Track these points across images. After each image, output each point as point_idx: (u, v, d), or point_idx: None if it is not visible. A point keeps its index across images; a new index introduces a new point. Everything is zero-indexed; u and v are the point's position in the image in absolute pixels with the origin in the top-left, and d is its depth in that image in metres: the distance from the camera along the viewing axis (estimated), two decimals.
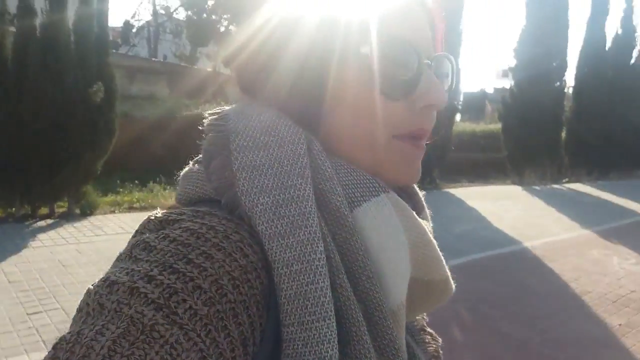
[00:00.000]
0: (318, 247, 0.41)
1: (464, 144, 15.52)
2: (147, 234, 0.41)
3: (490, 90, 40.01)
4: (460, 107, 31.86)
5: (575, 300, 4.71)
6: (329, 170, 0.47)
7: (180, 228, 0.40)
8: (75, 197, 6.82)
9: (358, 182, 0.48)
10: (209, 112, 0.51)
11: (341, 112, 0.50)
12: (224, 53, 0.55)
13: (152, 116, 11.35)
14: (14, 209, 6.46)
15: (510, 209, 9.53)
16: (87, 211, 6.92)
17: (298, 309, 0.40)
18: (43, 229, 6.15)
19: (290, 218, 0.42)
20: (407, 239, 0.48)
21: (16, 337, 3.43)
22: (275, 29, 0.49)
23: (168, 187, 8.70)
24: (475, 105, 34.06)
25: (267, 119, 0.49)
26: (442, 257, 0.52)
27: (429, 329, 0.67)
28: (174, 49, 29.33)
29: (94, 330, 0.34)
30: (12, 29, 6.08)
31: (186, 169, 0.53)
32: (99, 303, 0.37)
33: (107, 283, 0.37)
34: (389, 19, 0.49)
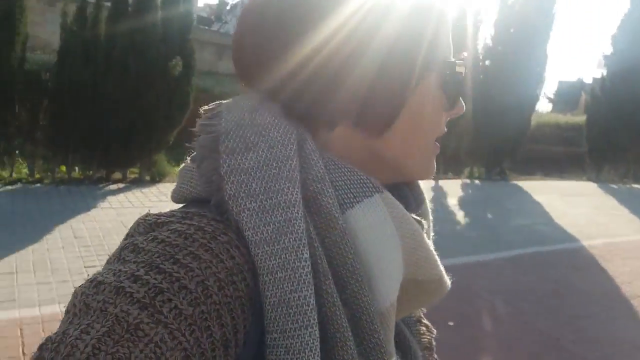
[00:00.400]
0: (302, 254, 0.42)
1: (546, 135, 14.73)
2: (137, 237, 0.42)
3: (589, 79, 37.28)
4: (552, 97, 29.86)
5: (621, 303, 4.46)
6: (320, 171, 0.46)
7: (169, 230, 0.41)
8: (147, 164, 7.33)
9: (351, 182, 0.48)
10: (204, 108, 0.51)
11: (405, 127, 0.51)
12: None
13: (233, 93, 11.80)
14: (91, 171, 7.06)
15: (577, 206, 9.00)
16: (157, 178, 7.42)
17: (281, 317, 0.41)
18: (114, 192, 6.67)
19: (276, 224, 0.42)
20: (400, 241, 0.48)
21: (71, 286, 3.83)
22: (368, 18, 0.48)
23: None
24: (571, 96, 31.97)
25: (259, 117, 0.48)
26: (436, 257, 0.52)
27: (425, 321, 0.68)
28: None
29: (79, 330, 0.35)
30: (108, 4, 6.60)
31: (183, 164, 0.53)
32: (84, 303, 0.37)
33: (94, 284, 0.38)
34: (445, 33, 0.53)
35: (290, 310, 0.41)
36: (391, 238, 0.47)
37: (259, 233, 0.42)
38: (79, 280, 3.94)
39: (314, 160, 0.46)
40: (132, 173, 7.43)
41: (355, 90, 0.48)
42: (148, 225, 0.44)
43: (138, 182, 7.22)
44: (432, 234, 0.59)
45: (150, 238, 0.40)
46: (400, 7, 0.49)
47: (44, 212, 5.51)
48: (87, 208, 5.87)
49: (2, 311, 3.43)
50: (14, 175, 6.64)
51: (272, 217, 0.42)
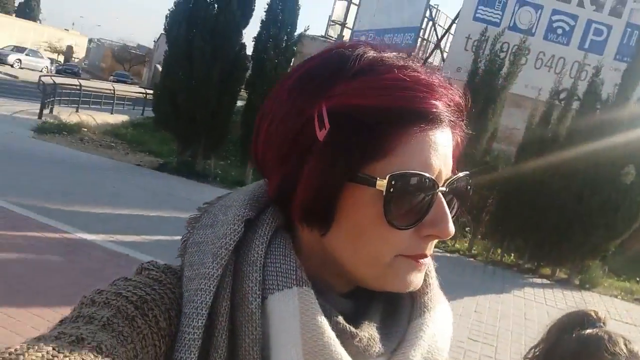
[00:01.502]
0: (192, 322, 0.47)
1: None
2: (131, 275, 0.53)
3: None
4: None
5: None
6: (255, 255, 0.50)
7: (145, 275, 0.53)
8: (578, 268, 7.04)
9: (280, 270, 0.50)
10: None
11: (346, 233, 0.50)
12: None
13: None
14: (522, 260, 7.38)
15: None
16: (586, 285, 7.00)
17: None
18: (534, 285, 6.71)
19: (189, 292, 0.49)
20: (302, 339, 0.48)
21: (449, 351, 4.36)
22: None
23: None
24: None
25: (233, 196, 0.56)
26: None
27: None
28: None
29: (90, 311, 0.46)
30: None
31: None
32: (91, 299, 0.48)
33: (97, 291, 0.49)
34: (418, 147, 0.48)
35: None
36: (293, 334, 0.48)
37: (184, 297, 0.50)
38: (455, 347, 4.40)
39: (255, 244, 0.51)
40: (562, 273, 7.28)
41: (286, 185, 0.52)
42: (140, 268, 0.54)
43: (565, 283, 7.00)
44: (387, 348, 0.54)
45: (137, 274, 0.53)
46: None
47: (463, 283, 6.19)
48: (501, 291, 6.21)
49: None
50: (456, 246, 7.76)
51: (191, 285, 0.50)
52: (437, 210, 0.49)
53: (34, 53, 31.95)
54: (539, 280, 7.01)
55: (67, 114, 12.43)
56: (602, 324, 1.12)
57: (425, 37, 13.42)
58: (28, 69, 28.92)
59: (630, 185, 6.38)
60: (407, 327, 0.56)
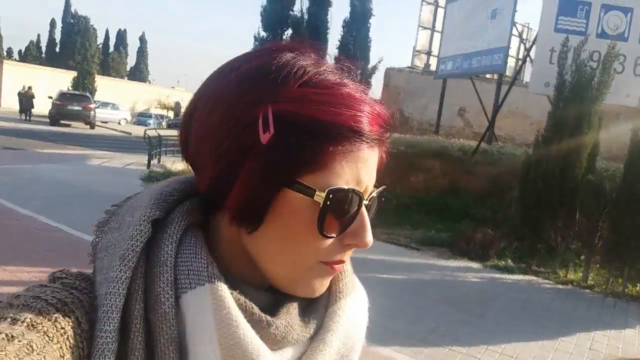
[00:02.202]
0: (104, 326, 0.47)
1: None
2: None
3: None
4: None
5: None
6: (166, 255, 0.51)
7: (59, 282, 0.53)
8: None
9: (192, 268, 0.51)
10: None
11: (273, 235, 0.52)
12: None
13: None
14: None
15: None
16: None
17: None
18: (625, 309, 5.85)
19: (100, 297, 0.49)
20: (218, 334, 0.50)
21: None
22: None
23: None
24: None
25: (139, 197, 0.57)
26: (262, 356, 0.52)
27: None
28: None
29: (11, 313, 0.45)
30: None
31: None
32: (8, 303, 0.47)
33: (14, 295, 0.49)
34: (351, 163, 0.51)
35: None
36: (208, 330, 0.50)
37: (96, 302, 0.50)
38: None
39: (164, 244, 0.52)
40: None
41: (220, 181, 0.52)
42: (53, 277, 0.55)
43: None
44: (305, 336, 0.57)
45: (51, 282, 0.54)
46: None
47: (576, 317, 5.59)
48: (623, 326, 5.45)
49: None
50: (569, 276, 6.97)
51: (101, 289, 0.50)
52: (360, 222, 0.53)
53: (113, 106, 35.11)
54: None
55: (171, 163, 13.35)
56: None
57: (515, 55, 12.86)
58: (103, 121, 31.36)
59: None
60: (325, 313, 0.59)
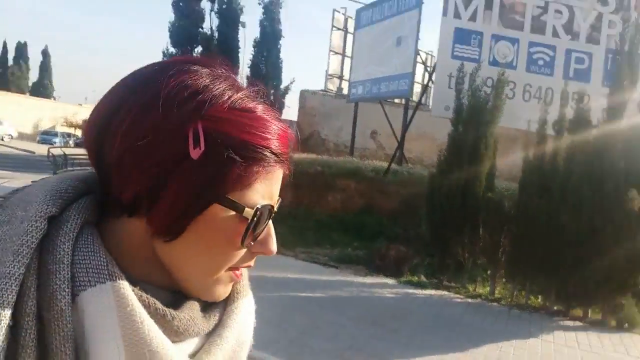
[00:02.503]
0: None
1: None
2: None
3: None
4: None
5: None
6: (63, 252, 0.50)
7: None
8: (611, 306, 6.50)
9: (91, 266, 0.51)
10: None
11: (192, 245, 0.54)
12: None
13: None
14: (548, 302, 6.88)
15: None
16: (624, 326, 6.42)
17: None
18: (565, 328, 6.22)
19: None
20: (121, 331, 0.50)
21: None
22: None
23: None
24: None
25: (31, 191, 0.55)
26: (170, 353, 0.53)
27: None
28: None
29: None
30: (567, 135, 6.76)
31: None
32: None
33: None
34: (269, 182, 0.56)
35: None
36: (111, 327, 0.49)
37: None
38: None
39: (60, 241, 0.51)
40: (596, 314, 6.71)
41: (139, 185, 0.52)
42: None
43: (599, 325, 6.45)
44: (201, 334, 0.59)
45: None
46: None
47: (485, 329, 5.85)
48: (527, 336, 5.78)
49: None
50: (478, 290, 7.30)
51: None
52: (268, 233, 0.58)
53: None
54: (570, 323, 6.50)
55: None
56: None
57: (420, 80, 13.54)
58: None
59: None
60: (224, 310, 0.63)
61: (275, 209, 0.59)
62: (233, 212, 0.53)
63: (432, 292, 7.14)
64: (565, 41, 10.02)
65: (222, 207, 0.53)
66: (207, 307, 0.61)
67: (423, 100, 13.14)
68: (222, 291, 0.60)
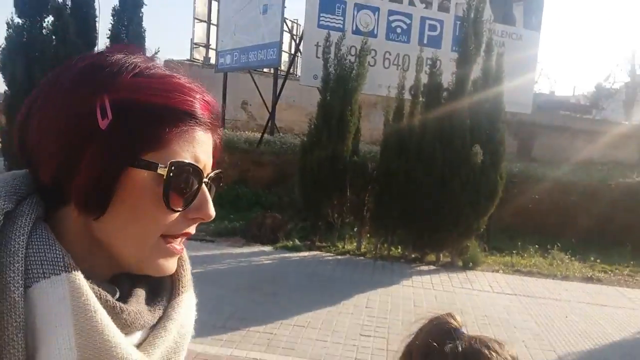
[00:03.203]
0: None
1: None
2: None
3: None
4: None
5: None
6: (16, 245, 0.52)
7: None
8: (458, 249, 7.45)
9: (45, 258, 0.52)
10: None
11: (120, 216, 0.56)
12: None
13: (582, 183, 10.76)
14: (406, 252, 7.68)
15: None
16: (469, 265, 7.42)
17: None
18: (422, 273, 7.03)
19: None
20: (74, 320, 0.51)
21: (342, 349, 4.31)
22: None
23: (574, 257, 8.18)
24: None
25: None
26: (122, 343, 0.55)
27: None
28: None
29: None
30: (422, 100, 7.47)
31: None
32: None
33: None
34: (188, 143, 0.57)
35: None
36: (63, 317, 0.51)
37: None
38: (350, 346, 4.41)
39: (15, 235, 0.53)
40: (446, 257, 7.64)
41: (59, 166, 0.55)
42: None
43: (449, 267, 7.38)
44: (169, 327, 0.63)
45: None
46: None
47: (354, 281, 6.36)
48: (390, 283, 6.41)
49: (279, 356, 4.15)
50: (346, 247, 7.87)
51: None
52: (202, 198, 0.59)
53: None
54: (425, 268, 7.33)
55: None
56: (464, 329, 1.04)
57: (288, 49, 13.76)
58: None
59: (483, 164, 6.89)
60: (167, 304, 0.65)
61: (211, 175, 0.62)
62: (152, 173, 0.54)
63: (306, 253, 7.53)
64: (420, 9, 10.78)
65: (138, 170, 0.54)
66: (152, 301, 0.63)
67: (291, 70, 13.35)
68: (165, 265, 0.60)
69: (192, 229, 0.61)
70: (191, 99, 0.58)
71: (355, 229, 8.06)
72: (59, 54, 7.60)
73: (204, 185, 0.59)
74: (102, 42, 8.32)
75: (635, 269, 8.09)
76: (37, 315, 0.51)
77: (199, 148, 0.59)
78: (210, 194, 0.62)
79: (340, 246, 7.88)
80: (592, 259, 8.29)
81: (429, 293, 6.13)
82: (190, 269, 0.72)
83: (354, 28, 9.96)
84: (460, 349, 0.98)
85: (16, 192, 0.56)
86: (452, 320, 1.04)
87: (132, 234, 0.57)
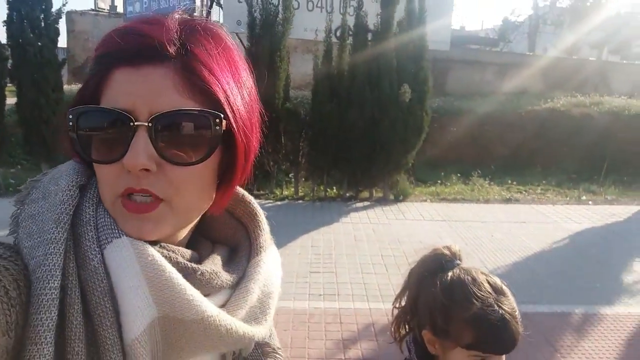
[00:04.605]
0: (49, 283, 0.50)
1: None
2: None
3: None
4: None
5: None
6: (88, 215, 0.55)
7: None
8: (389, 184, 7.86)
9: (106, 224, 0.55)
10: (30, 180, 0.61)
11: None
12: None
13: (495, 113, 11.46)
14: (341, 191, 8.00)
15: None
16: (400, 198, 7.88)
17: (26, 331, 0.49)
18: (358, 209, 7.40)
19: (37, 258, 0.51)
20: (146, 279, 0.53)
21: (294, 287, 4.53)
22: None
23: (493, 182, 8.88)
24: None
25: (60, 168, 0.60)
26: (196, 298, 0.55)
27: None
28: (554, 41, 28.02)
29: None
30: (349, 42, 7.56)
31: None
32: None
33: None
34: (111, 90, 0.54)
35: (31, 329, 0.49)
36: (135, 277, 0.53)
37: (30, 266, 0.52)
38: (302, 283, 4.65)
39: (86, 206, 0.56)
40: (379, 192, 8.05)
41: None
42: None
43: (382, 201, 7.79)
44: (251, 286, 0.64)
45: None
46: None
47: (297, 224, 6.55)
48: (330, 222, 6.70)
49: None
50: (284, 193, 8.06)
51: (37, 252, 0.52)
52: (134, 143, 0.52)
53: None
54: (360, 204, 7.68)
55: None
56: (458, 261, 1.12)
57: None
58: None
59: (410, 102, 7.20)
60: (247, 264, 0.66)
61: (152, 117, 0.53)
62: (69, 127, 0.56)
63: None
64: None
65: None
66: (230, 262, 0.66)
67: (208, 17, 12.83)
68: (129, 225, 0.55)
69: (134, 183, 0.54)
70: (118, 39, 0.53)
71: (292, 175, 8.23)
72: None
73: (140, 130, 0.52)
74: None
75: (545, 187, 8.95)
76: (113, 277, 0.53)
77: (123, 90, 0.53)
78: (174, 138, 0.54)
79: (278, 192, 8.04)
80: (508, 181, 9.07)
81: (367, 227, 6.48)
82: (269, 230, 0.72)
83: None
84: (448, 279, 1.08)
85: (87, 169, 0.59)
86: (448, 252, 1.14)
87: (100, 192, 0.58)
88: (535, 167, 10.08)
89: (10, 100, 8.27)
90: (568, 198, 8.32)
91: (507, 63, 15.70)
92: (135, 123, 0.52)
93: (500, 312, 1.02)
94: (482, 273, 1.09)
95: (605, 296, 4.48)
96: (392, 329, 1.21)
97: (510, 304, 1.05)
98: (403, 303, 1.19)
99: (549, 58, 17.20)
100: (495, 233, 6.32)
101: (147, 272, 0.53)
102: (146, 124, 0.52)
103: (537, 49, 26.85)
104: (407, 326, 1.18)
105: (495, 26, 29.94)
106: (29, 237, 0.53)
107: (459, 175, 9.29)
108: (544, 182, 9.24)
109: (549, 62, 15.90)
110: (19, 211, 0.57)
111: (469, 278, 1.06)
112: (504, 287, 1.08)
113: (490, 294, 1.04)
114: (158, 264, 0.53)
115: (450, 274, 1.08)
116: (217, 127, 0.55)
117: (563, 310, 4.18)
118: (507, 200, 8.11)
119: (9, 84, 8.04)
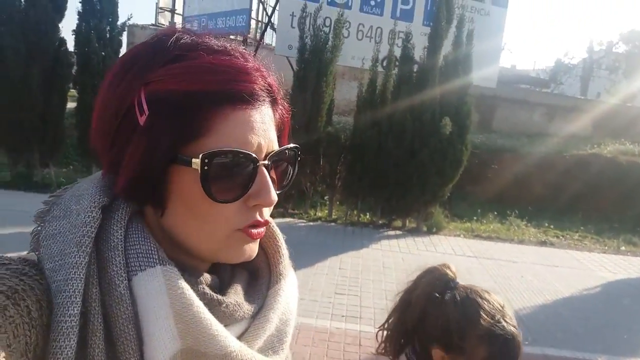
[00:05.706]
0: (68, 310, 0.48)
1: None
2: None
3: None
4: None
5: None
6: (115, 240, 0.53)
7: (6, 267, 0.51)
8: (423, 215, 7.88)
9: (141, 251, 0.53)
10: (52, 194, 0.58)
11: (180, 212, 0.55)
12: None
13: (538, 154, 11.33)
14: (375, 218, 8.06)
15: None
16: (433, 230, 7.88)
17: (46, 355, 0.48)
18: (389, 237, 7.44)
19: (58, 283, 0.50)
20: (173, 312, 0.52)
21: (318, 306, 4.62)
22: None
23: (530, 224, 8.75)
24: None
25: (81, 186, 0.57)
26: (220, 333, 0.54)
27: None
28: (608, 87, 27.47)
29: None
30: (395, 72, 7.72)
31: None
32: None
33: None
34: (230, 127, 0.53)
35: (49, 356, 0.48)
36: (163, 308, 0.52)
37: (52, 289, 0.50)
38: (326, 303, 4.73)
39: (113, 229, 0.53)
40: (412, 223, 8.07)
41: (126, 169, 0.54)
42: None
43: (415, 232, 7.80)
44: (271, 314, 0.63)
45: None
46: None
47: (327, 245, 6.65)
48: (361, 247, 6.76)
49: None
50: (318, 214, 8.19)
51: (58, 276, 0.50)
52: (259, 182, 0.54)
53: None
54: (392, 232, 7.72)
55: None
56: (457, 281, 1.14)
57: (258, 18, 13.65)
58: None
59: (450, 135, 7.26)
60: (267, 293, 0.65)
61: (273, 154, 0.56)
62: (190, 168, 0.52)
63: (279, 220, 7.77)
64: None
65: (179, 166, 0.52)
66: (250, 291, 0.63)
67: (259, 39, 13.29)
68: (240, 252, 0.58)
69: (261, 216, 0.57)
70: (226, 77, 0.52)
71: (327, 197, 8.37)
72: (29, 16, 7.41)
73: (262, 168, 0.55)
74: (73, 5, 8.13)
75: (584, 234, 8.74)
76: (139, 307, 0.52)
77: (248, 129, 0.53)
78: (275, 172, 0.58)
79: (312, 213, 8.18)
80: (545, 224, 8.90)
81: (396, 255, 6.51)
82: (288, 254, 0.71)
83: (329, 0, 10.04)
84: (458, 297, 1.10)
85: (110, 187, 0.56)
86: (449, 272, 1.16)
87: (198, 230, 0.56)
88: (575, 212, 9.85)
89: (72, 105, 8.82)
90: (606, 247, 8.10)
91: (557, 105, 15.53)
92: (260, 162, 0.55)
93: (509, 327, 1.06)
94: (485, 291, 1.14)
95: (631, 348, 4.36)
96: (385, 345, 1.22)
97: (512, 319, 1.09)
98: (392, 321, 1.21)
99: (600, 103, 16.86)
100: (525, 274, 6.23)
101: (175, 305, 0.52)
102: (267, 162, 0.56)
103: (589, 94, 26.37)
104: (402, 341, 1.20)
105: (547, 67, 29.68)
106: (50, 259, 0.52)
107: (495, 213, 9.19)
108: (582, 228, 9.04)
109: (600, 107, 15.59)
110: (39, 228, 0.55)
111: (478, 296, 1.10)
112: (505, 303, 1.12)
113: (498, 310, 1.08)
114: (187, 297, 0.52)
115: (458, 293, 1.11)
116: (299, 159, 0.63)
117: (585, 357, 4.09)
118: (542, 243, 7.97)
119: (71, 89, 8.59)
